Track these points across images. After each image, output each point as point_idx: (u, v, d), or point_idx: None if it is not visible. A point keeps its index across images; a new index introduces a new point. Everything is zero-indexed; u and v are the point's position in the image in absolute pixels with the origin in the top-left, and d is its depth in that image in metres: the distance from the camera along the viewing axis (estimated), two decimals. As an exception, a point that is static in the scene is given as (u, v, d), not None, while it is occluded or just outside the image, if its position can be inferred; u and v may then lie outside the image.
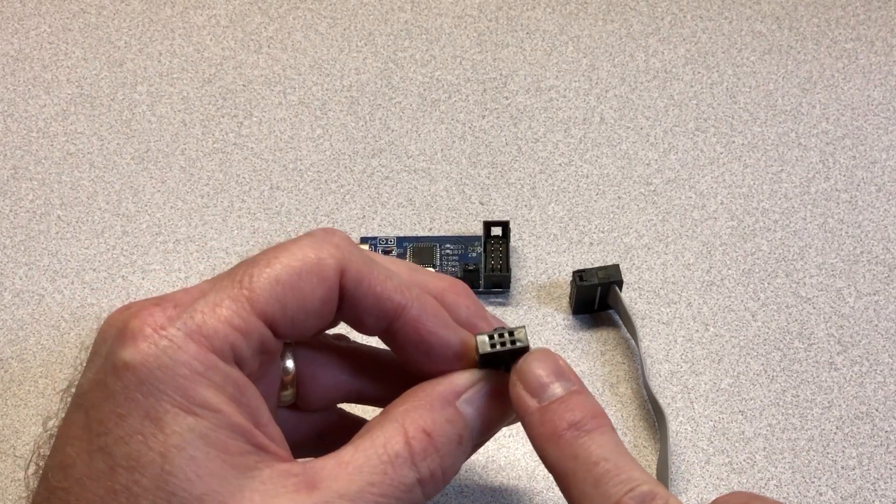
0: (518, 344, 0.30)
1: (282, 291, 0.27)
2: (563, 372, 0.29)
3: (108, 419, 0.25)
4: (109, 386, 0.26)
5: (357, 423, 0.31)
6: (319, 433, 0.34)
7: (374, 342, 0.34)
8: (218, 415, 0.26)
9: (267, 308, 0.27)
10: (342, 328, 0.33)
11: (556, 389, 0.29)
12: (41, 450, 0.29)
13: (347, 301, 0.29)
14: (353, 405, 0.35)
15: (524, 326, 0.30)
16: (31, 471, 0.30)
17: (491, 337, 0.30)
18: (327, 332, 0.33)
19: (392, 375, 0.33)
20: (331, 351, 0.33)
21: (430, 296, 0.31)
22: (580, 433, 0.28)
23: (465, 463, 0.41)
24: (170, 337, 0.26)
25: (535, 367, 0.29)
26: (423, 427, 0.28)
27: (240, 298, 0.27)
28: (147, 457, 0.25)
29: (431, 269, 0.45)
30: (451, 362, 0.30)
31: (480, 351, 0.30)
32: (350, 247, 0.29)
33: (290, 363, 0.31)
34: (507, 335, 0.30)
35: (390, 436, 0.28)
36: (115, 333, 0.27)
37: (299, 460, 0.28)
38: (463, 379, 0.30)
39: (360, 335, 0.32)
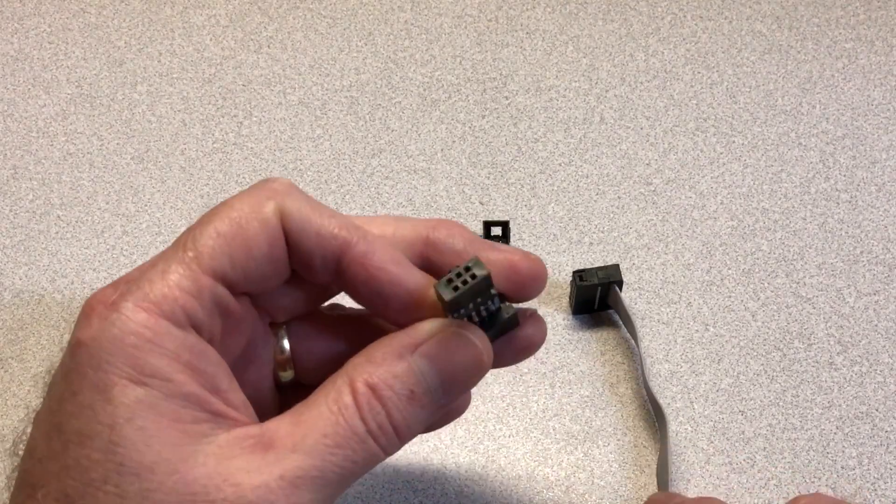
0: (478, 275, 0.28)
1: (224, 243, 0.27)
2: None
3: (63, 397, 0.26)
4: (66, 366, 0.26)
5: None
6: None
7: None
8: (168, 384, 0.26)
9: (214, 263, 0.27)
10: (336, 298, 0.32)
11: None
12: (21, 440, 0.30)
13: (293, 244, 0.28)
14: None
15: (476, 256, 0.28)
16: (15, 462, 0.30)
17: (450, 281, 0.28)
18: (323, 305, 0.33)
19: None
20: (325, 324, 0.32)
21: (383, 238, 0.30)
22: None
23: (465, 463, 0.41)
24: (120, 310, 0.26)
25: None
26: (367, 380, 0.28)
27: (185, 260, 0.27)
28: (95, 430, 0.25)
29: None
30: (412, 307, 0.29)
31: (445, 298, 0.28)
32: (290, 189, 0.29)
33: (284, 343, 0.31)
34: (463, 272, 0.28)
35: (339, 388, 0.28)
36: (77, 319, 0.27)
37: (260, 423, 0.28)
38: (421, 331, 0.29)
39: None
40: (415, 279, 0.29)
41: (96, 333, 0.26)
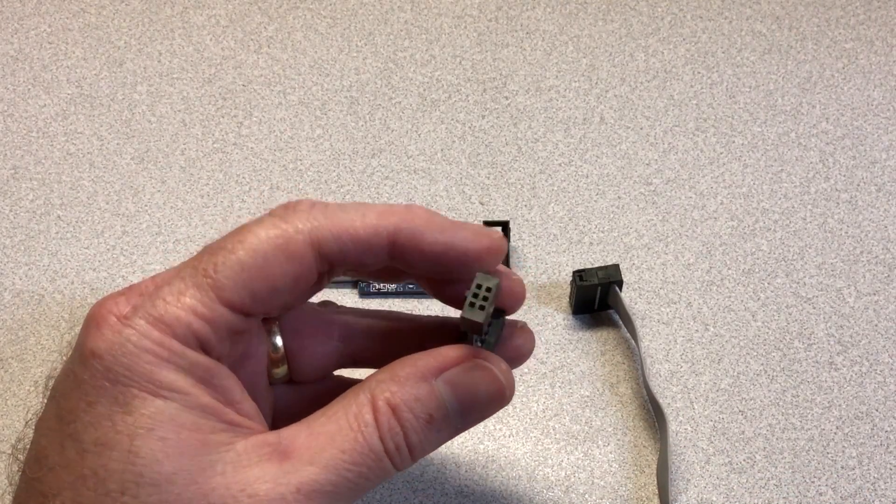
0: (492, 287, 0.28)
1: (248, 277, 0.27)
2: None
3: (77, 407, 0.26)
4: (78, 375, 0.26)
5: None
6: (318, 402, 0.33)
7: (362, 304, 0.33)
8: (186, 396, 0.26)
9: (234, 297, 0.27)
10: (326, 293, 0.32)
11: None
12: (20, 443, 0.30)
13: (338, 263, 0.28)
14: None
15: (478, 272, 0.29)
16: (14, 467, 0.30)
17: (472, 304, 0.28)
18: (311, 301, 0.32)
19: (384, 335, 0.32)
20: (318, 321, 0.32)
21: (420, 212, 0.29)
22: None
23: (465, 463, 0.41)
24: (133, 325, 0.26)
25: None
26: (389, 400, 0.28)
27: (204, 287, 0.27)
28: (114, 440, 0.25)
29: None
30: (471, 262, 0.29)
31: (479, 320, 0.28)
32: (315, 212, 0.28)
33: (278, 340, 0.31)
34: (478, 290, 0.28)
35: (361, 405, 0.28)
36: (84, 325, 0.27)
37: (277, 430, 0.28)
38: (447, 356, 0.29)
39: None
40: (463, 236, 0.29)
41: (110, 346, 0.26)
